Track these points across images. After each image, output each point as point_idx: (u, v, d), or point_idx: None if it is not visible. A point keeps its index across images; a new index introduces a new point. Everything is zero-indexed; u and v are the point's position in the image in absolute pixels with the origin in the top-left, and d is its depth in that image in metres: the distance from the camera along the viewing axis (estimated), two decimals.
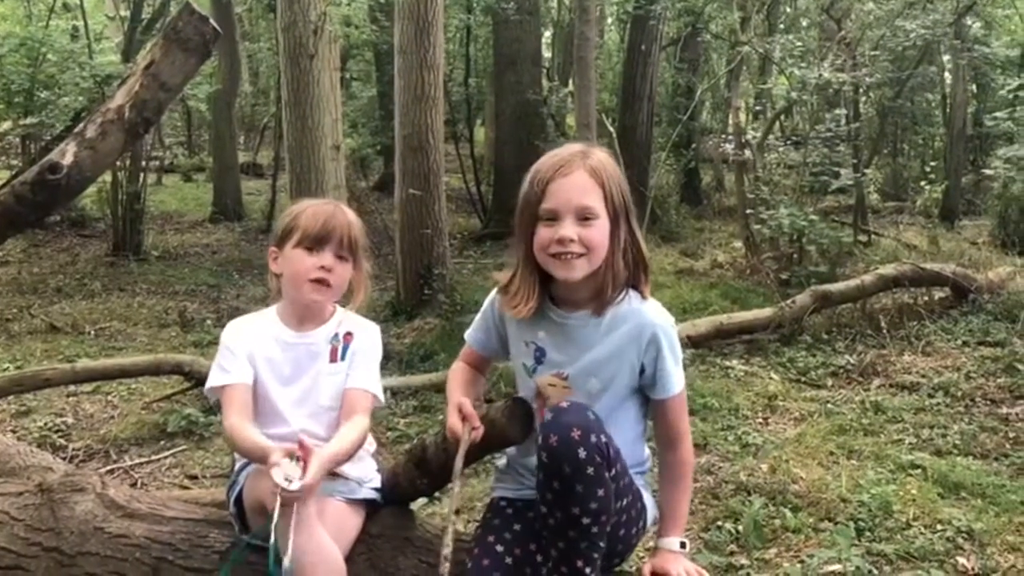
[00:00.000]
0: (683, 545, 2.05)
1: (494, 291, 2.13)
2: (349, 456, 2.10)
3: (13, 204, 2.13)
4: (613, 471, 1.86)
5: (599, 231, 1.92)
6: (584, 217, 1.92)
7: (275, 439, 2.08)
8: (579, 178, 1.93)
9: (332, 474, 2.07)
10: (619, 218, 1.96)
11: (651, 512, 2.12)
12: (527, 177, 2.00)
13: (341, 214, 2.19)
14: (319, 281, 2.14)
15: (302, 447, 1.91)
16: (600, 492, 1.81)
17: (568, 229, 1.90)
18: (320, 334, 2.21)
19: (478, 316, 2.21)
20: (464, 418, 1.96)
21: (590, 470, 1.79)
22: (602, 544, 1.87)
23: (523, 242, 1.99)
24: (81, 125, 2.16)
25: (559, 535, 1.86)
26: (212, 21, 2.12)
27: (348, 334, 2.23)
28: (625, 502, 1.96)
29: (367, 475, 2.22)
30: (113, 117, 2.13)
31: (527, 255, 1.99)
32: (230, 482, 2.23)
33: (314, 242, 2.13)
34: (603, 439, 1.83)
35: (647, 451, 2.17)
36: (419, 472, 2.08)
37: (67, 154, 2.11)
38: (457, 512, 1.85)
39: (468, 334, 2.25)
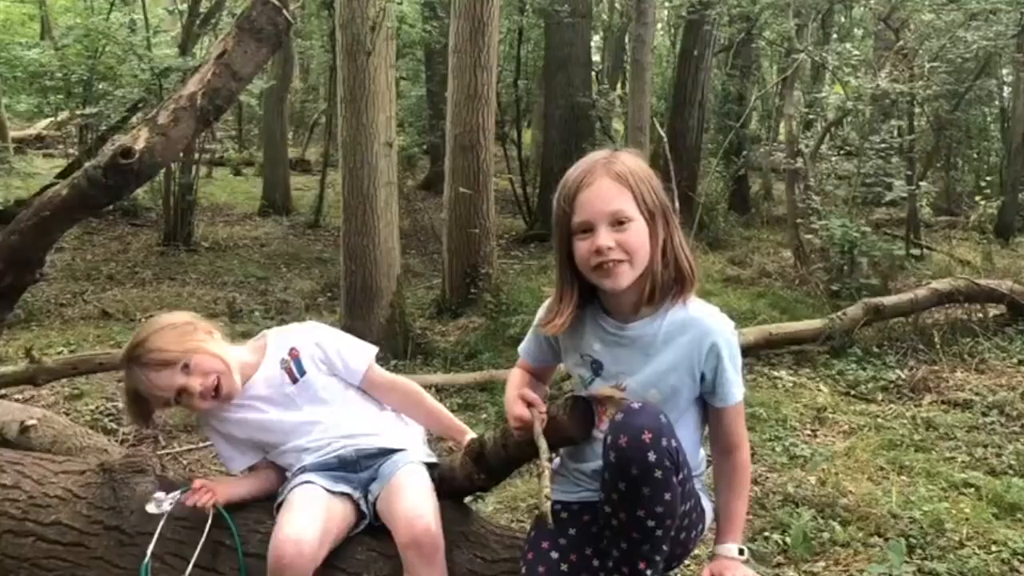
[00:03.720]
0: (741, 552, 2.01)
1: (543, 306, 2.10)
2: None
3: (87, 187, 2.16)
4: (680, 475, 1.84)
5: (636, 234, 1.87)
6: (618, 222, 1.87)
7: (294, 451, 2.26)
8: (604, 185, 1.88)
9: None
10: (655, 218, 1.90)
11: (708, 516, 2.09)
12: (555, 196, 1.96)
13: (134, 370, 2.25)
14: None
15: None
16: (667, 496, 1.79)
17: (604, 238, 1.85)
18: (265, 371, 2.32)
19: (530, 332, 2.18)
20: (530, 404, 1.95)
21: (658, 473, 1.76)
22: (665, 547, 1.84)
23: (564, 260, 1.96)
24: (154, 111, 2.20)
25: (622, 536, 1.83)
26: (286, 11, 2.14)
27: (292, 350, 2.31)
28: (688, 507, 1.94)
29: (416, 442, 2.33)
30: (185, 104, 2.16)
31: (563, 271, 1.96)
32: (279, 500, 2.24)
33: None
34: (673, 443, 1.80)
35: (703, 454, 2.15)
36: (476, 467, 2.08)
37: (139, 139, 2.14)
38: (550, 458, 1.90)
39: (521, 348, 2.22)
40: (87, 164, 2.21)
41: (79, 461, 2.50)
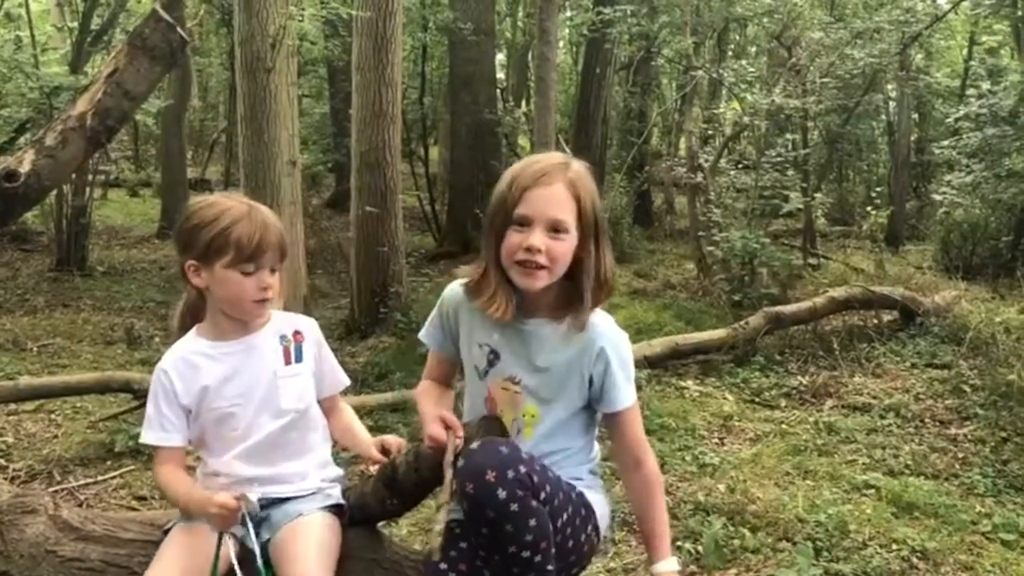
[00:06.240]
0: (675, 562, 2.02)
1: (448, 288, 2.10)
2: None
3: None
4: (543, 494, 1.82)
5: (566, 246, 1.92)
6: (555, 230, 1.91)
7: (239, 442, 2.04)
8: (558, 191, 1.92)
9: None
10: (588, 234, 1.95)
11: (599, 509, 2.07)
12: (504, 178, 1.97)
13: (271, 227, 2.05)
14: (262, 300, 2.05)
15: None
16: (532, 523, 1.77)
17: (537, 238, 1.89)
18: (262, 337, 2.11)
19: (432, 314, 2.18)
20: (447, 427, 1.92)
21: (514, 507, 1.74)
22: (550, 567, 1.82)
23: (492, 245, 1.96)
24: (40, 132, 2.10)
25: (506, 574, 1.82)
26: (180, 29, 2.07)
27: (297, 333, 2.14)
28: (567, 515, 1.93)
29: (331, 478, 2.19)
30: (74, 125, 2.07)
31: (496, 257, 1.96)
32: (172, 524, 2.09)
33: (250, 264, 2.01)
34: (522, 469, 1.77)
35: (596, 448, 2.16)
36: (389, 492, 2.04)
37: (25, 162, 2.05)
38: (452, 495, 1.82)
39: (423, 333, 2.20)
40: None
41: None
